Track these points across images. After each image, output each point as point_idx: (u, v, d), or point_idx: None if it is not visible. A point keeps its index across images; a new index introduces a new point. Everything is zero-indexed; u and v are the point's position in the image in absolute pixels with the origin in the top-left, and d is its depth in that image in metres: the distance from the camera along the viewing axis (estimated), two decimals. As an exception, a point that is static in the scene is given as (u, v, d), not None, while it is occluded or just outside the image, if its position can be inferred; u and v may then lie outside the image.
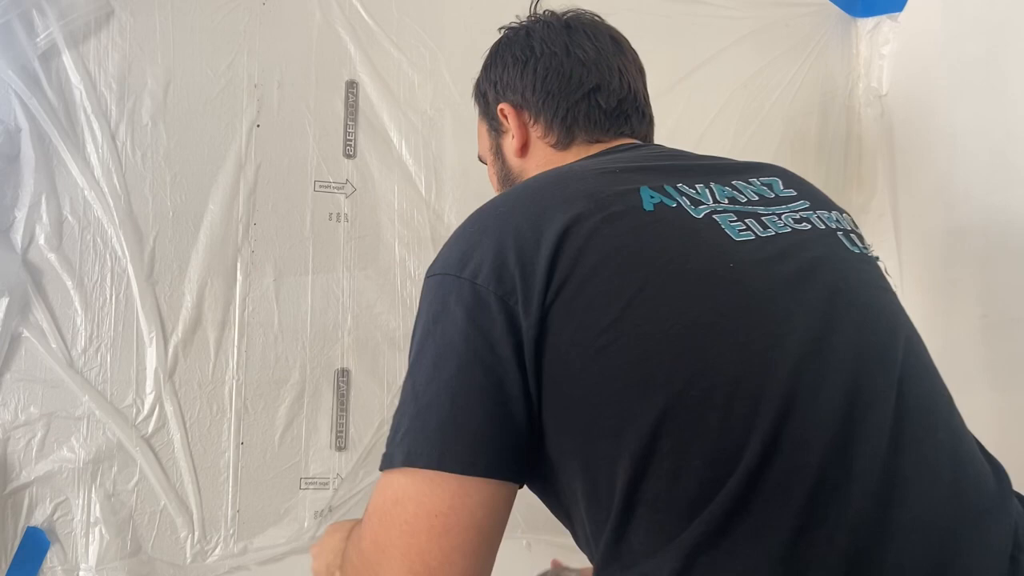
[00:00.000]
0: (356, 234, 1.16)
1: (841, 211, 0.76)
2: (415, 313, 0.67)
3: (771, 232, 0.66)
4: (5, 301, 1.00)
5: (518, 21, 0.88)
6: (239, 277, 1.10)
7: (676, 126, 1.31)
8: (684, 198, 0.66)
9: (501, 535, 0.62)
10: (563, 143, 0.81)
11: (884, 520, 0.55)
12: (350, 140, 1.17)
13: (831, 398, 0.58)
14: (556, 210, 0.63)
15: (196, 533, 1.06)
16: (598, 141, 0.81)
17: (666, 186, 0.67)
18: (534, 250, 0.61)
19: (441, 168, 1.20)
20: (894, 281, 0.74)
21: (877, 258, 0.74)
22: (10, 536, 1.00)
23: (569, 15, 0.86)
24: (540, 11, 0.87)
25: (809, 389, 0.58)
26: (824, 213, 0.73)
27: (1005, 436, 1.16)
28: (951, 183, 1.25)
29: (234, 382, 1.09)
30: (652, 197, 0.65)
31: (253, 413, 1.09)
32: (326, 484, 1.11)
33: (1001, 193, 1.17)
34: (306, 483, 1.11)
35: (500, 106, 0.84)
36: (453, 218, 1.19)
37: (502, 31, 0.89)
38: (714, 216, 0.66)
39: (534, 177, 0.72)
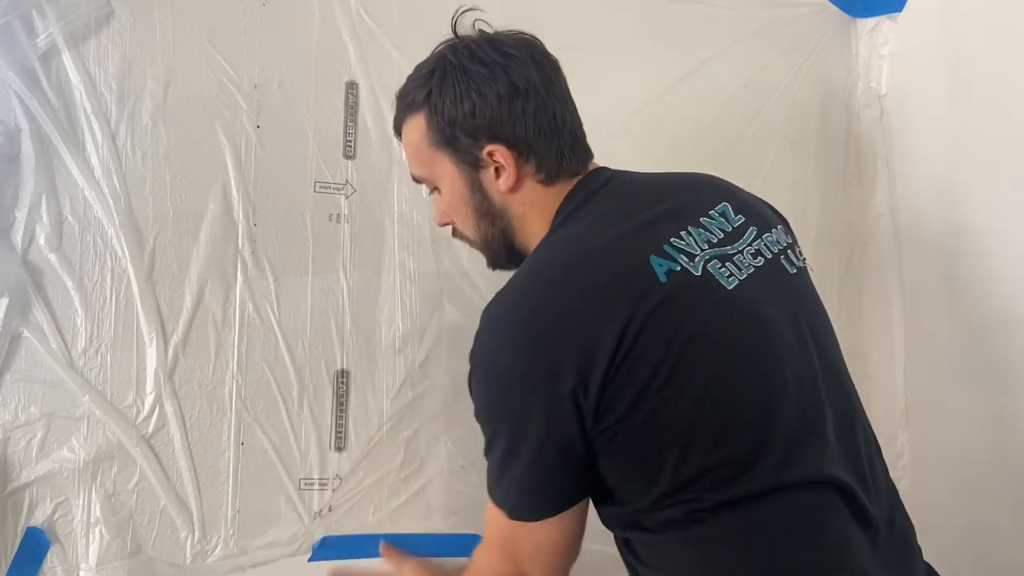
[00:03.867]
0: (356, 235, 1.16)
1: (775, 224, 0.84)
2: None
3: (744, 275, 0.76)
4: (5, 301, 1.00)
5: (470, 41, 0.86)
6: (239, 277, 1.11)
7: (676, 126, 1.31)
8: (682, 256, 0.75)
9: (580, 532, 0.82)
10: (551, 179, 0.85)
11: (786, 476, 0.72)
12: (350, 140, 1.17)
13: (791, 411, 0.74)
14: (595, 309, 0.73)
15: (196, 533, 1.06)
16: (576, 173, 0.87)
17: (664, 246, 0.75)
18: (591, 349, 0.71)
19: (441, 168, 1.20)
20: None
21: (805, 262, 0.85)
22: (10, 536, 1.00)
23: (527, 40, 0.86)
24: (502, 31, 0.87)
25: (790, 415, 0.74)
26: (769, 237, 0.81)
27: (1005, 436, 1.16)
28: (951, 183, 1.25)
29: (234, 382, 1.09)
30: (660, 266, 0.74)
31: (253, 413, 1.10)
32: (325, 484, 1.11)
33: (1001, 193, 1.17)
34: (306, 483, 1.11)
35: (490, 147, 0.83)
36: (453, 218, 1.18)
37: (442, 48, 0.88)
38: (707, 267, 0.75)
39: (546, 263, 0.80)
